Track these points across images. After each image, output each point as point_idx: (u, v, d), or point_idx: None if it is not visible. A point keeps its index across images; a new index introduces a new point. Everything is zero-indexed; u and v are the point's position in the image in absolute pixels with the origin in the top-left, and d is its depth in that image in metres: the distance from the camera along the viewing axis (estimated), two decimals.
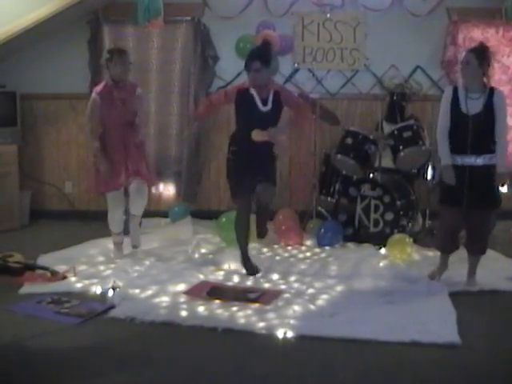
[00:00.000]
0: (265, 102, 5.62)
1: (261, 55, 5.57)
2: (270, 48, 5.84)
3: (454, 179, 5.21)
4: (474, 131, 5.15)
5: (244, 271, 5.74)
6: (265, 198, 5.77)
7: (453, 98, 5.27)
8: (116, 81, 5.88)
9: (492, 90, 5.22)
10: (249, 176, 5.64)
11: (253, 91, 5.59)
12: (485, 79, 5.25)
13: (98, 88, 5.90)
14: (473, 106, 5.18)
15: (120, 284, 5.31)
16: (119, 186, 5.99)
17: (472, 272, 5.46)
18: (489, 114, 5.15)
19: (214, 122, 7.91)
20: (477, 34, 7.56)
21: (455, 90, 5.30)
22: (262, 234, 6.12)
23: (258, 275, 5.65)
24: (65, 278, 5.54)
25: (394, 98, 7.07)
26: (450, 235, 5.48)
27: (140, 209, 6.26)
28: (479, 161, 5.18)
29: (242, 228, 5.78)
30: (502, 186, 5.30)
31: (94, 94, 5.87)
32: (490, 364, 3.95)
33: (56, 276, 5.53)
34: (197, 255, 6.22)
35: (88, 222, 7.38)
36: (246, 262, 5.78)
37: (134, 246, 6.32)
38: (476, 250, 5.44)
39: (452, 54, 7.54)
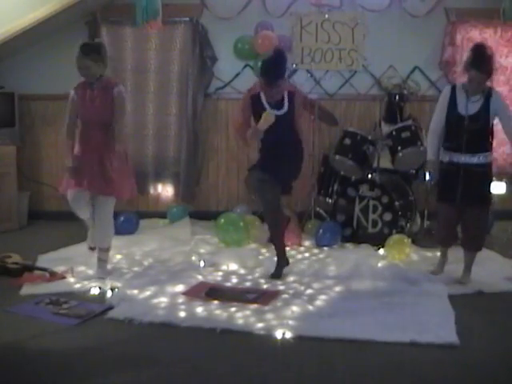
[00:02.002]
0: (279, 106, 5.55)
1: (275, 70, 5.48)
2: (283, 57, 5.61)
3: (437, 173, 5.40)
4: (470, 131, 5.22)
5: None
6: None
7: (450, 98, 5.33)
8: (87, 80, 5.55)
9: (490, 91, 5.25)
10: (273, 175, 5.52)
11: (262, 95, 5.56)
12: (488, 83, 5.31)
13: (75, 85, 5.59)
14: (471, 107, 5.22)
15: (118, 285, 5.32)
16: (80, 185, 5.41)
17: (467, 269, 5.52)
18: (485, 114, 5.21)
19: (213, 123, 7.91)
20: (475, 34, 7.58)
21: (453, 90, 5.36)
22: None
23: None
24: (63, 278, 5.54)
25: (393, 98, 7.07)
26: (447, 229, 5.58)
27: (102, 235, 5.61)
28: (474, 160, 5.26)
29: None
30: None
31: (71, 91, 5.56)
32: (488, 364, 3.95)
33: (54, 276, 5.53)
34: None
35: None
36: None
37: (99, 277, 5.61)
38: (471, 247, 5.50)
39: (450, 55, 7.55)
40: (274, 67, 5.49)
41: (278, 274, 5.62)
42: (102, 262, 5.70)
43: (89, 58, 5.40)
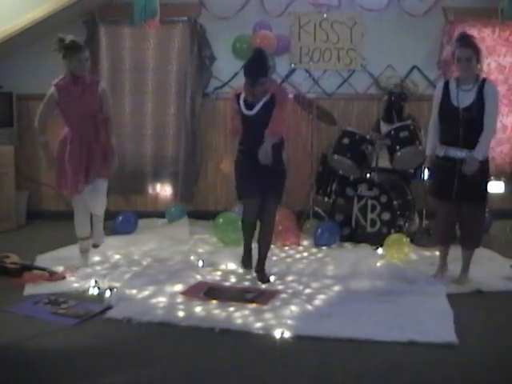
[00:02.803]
0: (251, 106, 5.42)
1: (257, 69, 5.34)
2: (264, 57, 5.44)
3: (433, 166, 5.42)
4: (466, 124, 5.17)
5: (240, 269, 5.85)
6: (263, 216, 5.62)
7: (444, 92, 5.31)
8: (74, 75, 5.58)
9: (483, 82, 5.22)
10: (255, 179, 5.45)
11: (241, 95, 5.46)
12: (478, 70, 5.29)
13: (57, 81, 5.61)
14: (464, 98, 5.20)
15: (116, 285, 5.31)
16: (80, 190, 5.68)
17: (465, 268, 5.51)
18: (480, 105, 5.15)
19: (211, 122, 7.92)
20: (473, 33, 7.47)
21: (446, 85, 5.35)
22: (261, 278, 5.58)
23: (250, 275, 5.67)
24: (63, 278, 5.54)
25: (392, 98, 7.06)
26: (445, 227, 5.55)
27: (99, 207, 5.91)
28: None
29: (246, 229, 5.74)
30: (469, 173, 5.23)
31: (52, 87, 5.60)
32: (487, 363, 3.95)
33: (54, 276, 5.52)
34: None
35: None
36: (244, 258, 5.81)
37: (94, 245, 6.05)
38: (469, 244, 5.49)
39: (448, 54, 7.46)
40: (254, 66, 5.36)
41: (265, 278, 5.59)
42: (100, 223, 6.04)
43: (86, 50, 5.63)
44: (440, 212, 5.57)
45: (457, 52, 5.20)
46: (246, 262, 5.81)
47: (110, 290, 5.21)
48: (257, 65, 5.38)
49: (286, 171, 5.67)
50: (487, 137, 5.20)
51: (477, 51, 5.19)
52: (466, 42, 5.23)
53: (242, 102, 5.46)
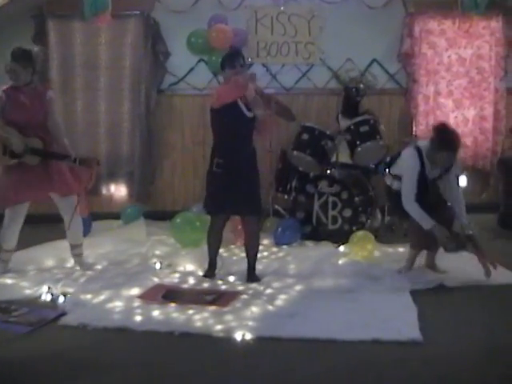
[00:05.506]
0: (248, 108, 5.38)
1: (241, 55, 5.48)
2: (239, 50, 5.97)
3: (447, 235, 5.39)
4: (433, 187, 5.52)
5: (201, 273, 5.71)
6: (249, 228, 5.54)
7: (421, 163, 5.37)
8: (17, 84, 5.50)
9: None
10: (230, 193, 5.34)
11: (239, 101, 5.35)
12: None
13: (5, 87, 5.49)
14: (433, 171, 5.42)
15: (70, 291, 5.17)
16: (20, 200, 5.54)
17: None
18: (446, 173, 5.50)
19: (167, 120, 7.79)
20: (433, 25, 7.64)
21: (420, 155, 5.38)
22: (249, 278, 5.54)
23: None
24: None
25: (350, 92, 7.04)
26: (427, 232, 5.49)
27: (78, 235, 5.82)
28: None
29: (211, 242, 5.64)
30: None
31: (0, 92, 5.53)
32: (451, 359, 3.99)
33: None
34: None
35: (36, 225, 7.11)
36: (208, 272, 5.63)
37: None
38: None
39: (409, 47, 7.62)
40: (239, 54, 5.51)
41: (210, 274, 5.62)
42: (81, 256, 5.87)
43: (18, 64, 5.40)
44: None
45: (442, 154, 5.26)
46: (209, 275, 5.62)
47: (64, 295, 5.06)
48: (239, 53, 5.58)
49: (259, 179, 5.57)
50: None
51: (459, 148, 5.39)
52: (453, 146, 5.31)
53: (242, 104, 5.34)
